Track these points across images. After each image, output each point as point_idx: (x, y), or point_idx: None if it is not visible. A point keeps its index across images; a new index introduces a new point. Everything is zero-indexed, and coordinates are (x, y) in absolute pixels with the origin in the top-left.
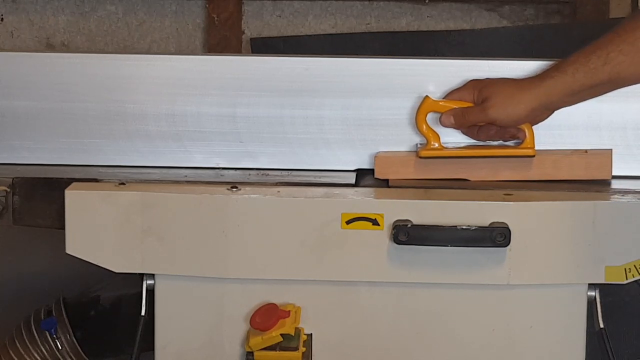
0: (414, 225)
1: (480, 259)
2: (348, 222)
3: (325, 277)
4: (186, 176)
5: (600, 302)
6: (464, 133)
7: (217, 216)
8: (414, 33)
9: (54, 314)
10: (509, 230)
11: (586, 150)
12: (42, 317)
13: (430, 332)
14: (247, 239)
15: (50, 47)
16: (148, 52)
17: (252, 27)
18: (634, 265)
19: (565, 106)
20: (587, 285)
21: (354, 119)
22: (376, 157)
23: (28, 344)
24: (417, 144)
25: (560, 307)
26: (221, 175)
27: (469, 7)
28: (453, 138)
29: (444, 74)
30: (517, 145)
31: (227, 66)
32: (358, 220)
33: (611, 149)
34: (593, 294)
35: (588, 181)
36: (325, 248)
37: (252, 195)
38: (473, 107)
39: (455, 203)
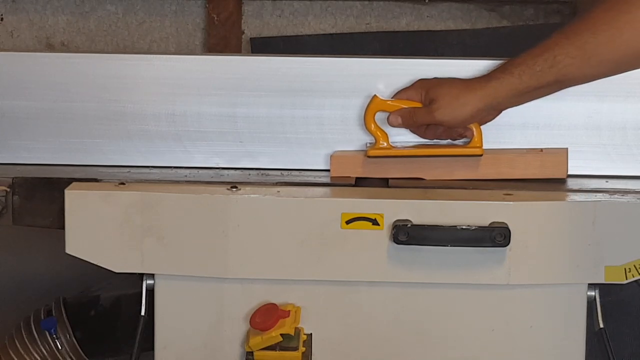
0: (414, 225)
1: (480, 259)
2: (348, 222)
3: (325, 277)
4: (186, 176)
5: (600, 302)
6: (412, 132)
7: (217, 216)
8: (414, 33)
9: (54, 314)
10: (509, 230)
11: (542, 149)
12: (42, 317)
13: (430, 332)
14: (247, 239)
15: (50, 47)
16: (148, 52)
17: (252, 27)
18: (634, 265)
19: (512, 106)
20: (586, 285)
21: (354, 119)
22: (332, 156)
23: (28, 344)
24: (366, 143)
25: (560, 307)
26: (221, 175)
27: (469, 7)
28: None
29: (444, 75)
30: (465, 145)
31: (227, 66)
32: (358, 220)
33: (567, 148)
34: (593, 293)
35: (544, 180)
36: (325, 248)
37: (252, 195)
38: (420, 109)
39: (455, 203)
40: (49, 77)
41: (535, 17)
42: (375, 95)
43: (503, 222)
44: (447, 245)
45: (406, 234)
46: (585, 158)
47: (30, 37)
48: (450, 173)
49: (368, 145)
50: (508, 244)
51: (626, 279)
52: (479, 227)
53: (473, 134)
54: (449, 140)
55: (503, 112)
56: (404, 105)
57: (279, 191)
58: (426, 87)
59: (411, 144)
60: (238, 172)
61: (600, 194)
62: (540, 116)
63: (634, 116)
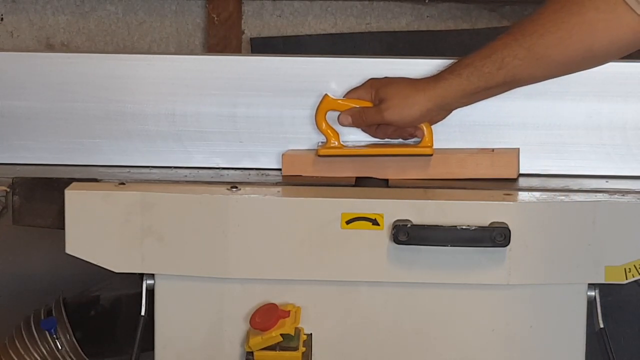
0: (413, 225)
1: (480, 259)
2: (348, 222)
3: (325, 277)
4: (186, 176)
5: (600, 302)
6: (363, 131)
7: (217, 216)
8: (414, 33)
9: (54, 314)
10: (509, 230)
11: (493, 149)
12: (42, 317)
13: (430, 332)
14: (247, 239)
15: (50, 47)
16: (148, 52)
17: (252, 27)
18: (634, 265)
19: (462, 106)
20: (586, 285)
21: None
22: (283, 155)
23: (28, 344)
24: (318, 143)
25: (560, 307)
26: (221, 175)
27: (469, 7)
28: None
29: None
30: (415, 144)
31: (227, 66)
32: (358, 220)
33: (518, 148)
34: (593, 293)
35: (495, 180)
36: (325, 248)
37: (252, 195)
38: (370, 108)
39: (455, 203)
40: (49, 77)
41: None
42: (326, 94)
43: (503, 222)
44: (447, 245)
45: (406, 234)
46: (585, 158)
47: (30, 37)
48: (401, 172)
49: (319, 144)
50: (508, 244)
51: (626, 279)
52: (479, 227)
53: (423, 134)
54: (401, 140)
55: (501, 112)
56: (354, 104)
57: (279, 191)
58: (376, 87)
59: (362, 144)
60: (238, 172)
61: (600, 194)
62: (540, 116)
63: (634, 116)
